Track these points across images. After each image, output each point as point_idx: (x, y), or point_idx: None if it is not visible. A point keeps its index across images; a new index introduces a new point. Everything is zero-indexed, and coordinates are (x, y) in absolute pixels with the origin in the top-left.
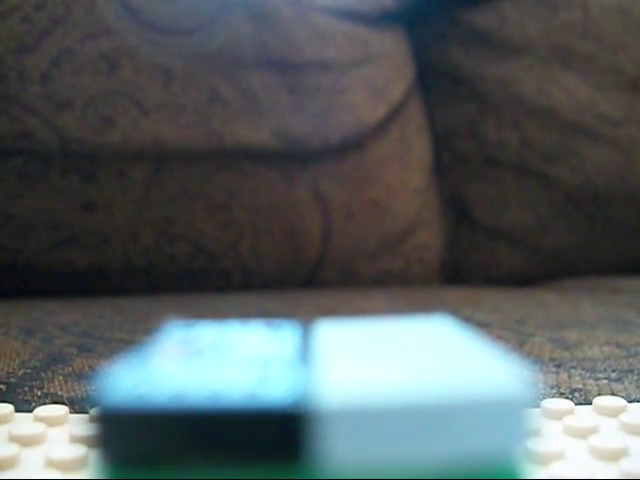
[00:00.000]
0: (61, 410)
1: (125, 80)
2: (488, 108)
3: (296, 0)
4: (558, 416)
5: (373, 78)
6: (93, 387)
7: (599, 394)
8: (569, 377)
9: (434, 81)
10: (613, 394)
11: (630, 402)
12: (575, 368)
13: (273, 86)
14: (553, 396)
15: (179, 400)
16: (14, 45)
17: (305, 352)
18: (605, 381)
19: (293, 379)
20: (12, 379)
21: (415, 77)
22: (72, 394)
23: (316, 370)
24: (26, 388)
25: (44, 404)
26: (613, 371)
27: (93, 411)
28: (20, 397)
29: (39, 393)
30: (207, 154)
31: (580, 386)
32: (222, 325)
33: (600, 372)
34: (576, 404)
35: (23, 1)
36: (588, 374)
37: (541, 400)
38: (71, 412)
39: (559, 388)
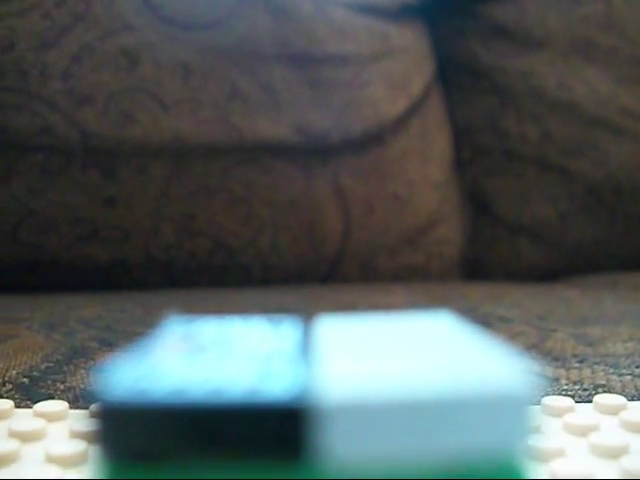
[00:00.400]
0: (61, 405)
1: (145, 76)
2: (508, 102)
3: None
4: (558, 413)
5: (393, 72)
6: (93, 382)
7: (623, 390)
8: (592, 373)
9: (454, 75)
10: (637, 390)
11: (630, 400)
12: (598, 364)
13: (293, 80)
14: (576, 392)
15: (180, 395)
16: (35, 42)
17: (307, 348)
18: (629, 377)
19: (295, 375)
20: (35, 373)
21: (435, 71)
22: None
23: (318, 366)
24: (49, 382)
25: (67, 398)
26: (637, 367)
27: (93, 406)
28: (43, 390)
29: (62, 387)
30: (227, 149)
31: (604, 382)
32: (224, 320)
33: (624, 368)
34: None
35: None
36: (612, 370)
37: (558, 396)
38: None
39: (582, 384)
